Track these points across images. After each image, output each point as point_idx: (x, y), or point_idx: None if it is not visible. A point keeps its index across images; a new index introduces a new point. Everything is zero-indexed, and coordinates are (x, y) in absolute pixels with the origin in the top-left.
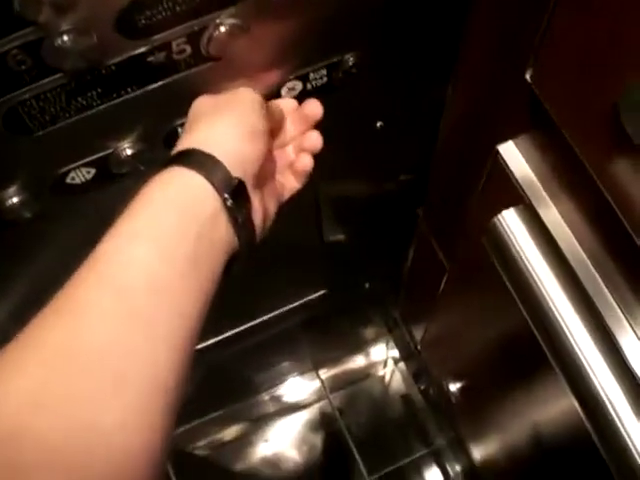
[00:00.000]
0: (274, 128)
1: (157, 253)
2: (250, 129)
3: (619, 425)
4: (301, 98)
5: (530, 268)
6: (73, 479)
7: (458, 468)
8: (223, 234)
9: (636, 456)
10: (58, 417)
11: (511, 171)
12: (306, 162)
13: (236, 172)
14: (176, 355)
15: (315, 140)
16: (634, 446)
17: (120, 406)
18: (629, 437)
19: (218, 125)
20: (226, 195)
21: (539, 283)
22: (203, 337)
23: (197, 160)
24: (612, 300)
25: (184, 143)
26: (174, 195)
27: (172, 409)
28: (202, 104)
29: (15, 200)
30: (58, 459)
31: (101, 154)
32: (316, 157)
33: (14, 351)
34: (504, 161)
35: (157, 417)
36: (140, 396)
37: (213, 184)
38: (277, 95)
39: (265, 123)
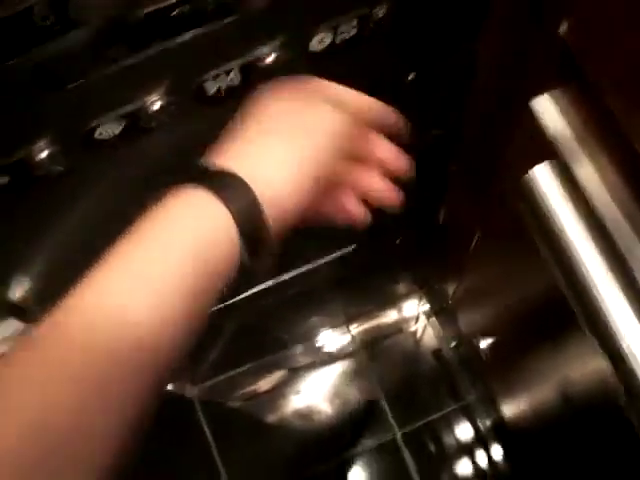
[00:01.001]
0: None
1: (156, 310)
2: (314, 172)
3: None
4: (330, 50)
5: (562, 226)
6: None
7: (488, 423)
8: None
9: None
10: (11, 421)
11: (545, 125)
12: (394, 197)
13: (271, 216)
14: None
15: (403, 163)
16: None
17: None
18: None
19: (275, 153)
20: (247, 255)
21: (571, 242)
22: (235, 291)
23: (236, 197)
24: None
25: (227, 152)
26: (194, 235)
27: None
28: (270, 105)
29: (44, 155)
30: (14, 460)
31: (129, 108)
32: None
33: None
34: (538, 115)
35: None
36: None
37: (243, 235)
38: (306, 47)
39: (337, 159)
